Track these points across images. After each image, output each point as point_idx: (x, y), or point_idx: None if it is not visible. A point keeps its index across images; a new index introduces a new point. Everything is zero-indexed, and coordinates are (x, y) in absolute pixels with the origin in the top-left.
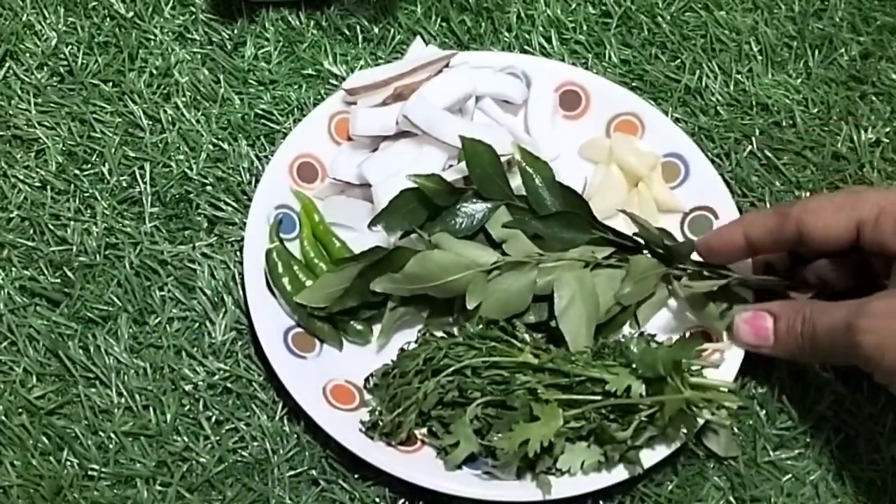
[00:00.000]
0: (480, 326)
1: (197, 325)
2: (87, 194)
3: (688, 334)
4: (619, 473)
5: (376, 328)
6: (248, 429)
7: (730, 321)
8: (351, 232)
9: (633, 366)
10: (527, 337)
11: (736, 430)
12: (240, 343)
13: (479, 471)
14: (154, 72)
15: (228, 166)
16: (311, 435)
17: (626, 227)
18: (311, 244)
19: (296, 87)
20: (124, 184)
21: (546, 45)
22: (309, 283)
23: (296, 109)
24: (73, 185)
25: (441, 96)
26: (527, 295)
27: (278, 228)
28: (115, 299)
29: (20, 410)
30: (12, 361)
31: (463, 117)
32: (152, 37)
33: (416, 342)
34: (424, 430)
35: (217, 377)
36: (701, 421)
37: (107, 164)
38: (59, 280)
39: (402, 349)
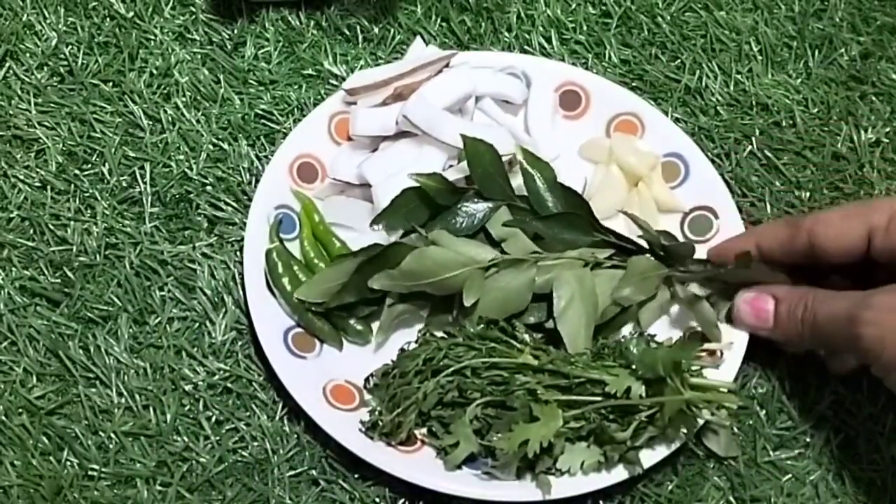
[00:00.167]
0: (481, 326)
1: (197, 325)
2: (87, 194)
3: (687, 335)
4: (619, 473)
5: (376, 328)
6: (248, 429)
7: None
8: (351, 232)
9: (633, 367)
10: (527, 338)
11: (736, 430)
12: (240, 343)
13: (478, 471)
14: (154, 72)
15: (228, 166)
16: (311, 435)
17: (626, 228)
18: (311, 244)
19: (296, 87)
20: (124, 184)
21: (546, 45)
22: None
23: (296, 109)
24: (73, 185)
25: (441, 96)
26: (526, 293)
27: (278, 228)
28: (116, 299)
29: (20, 410)
30: (12, 361)
31: (463, 117)
32: (152, 37)
33: (415, 342)
34: (424, 430)
35: (217, 377)
36: (701, 421)
37: (107, 164)
38: (59, 280)
39: (402, 349)
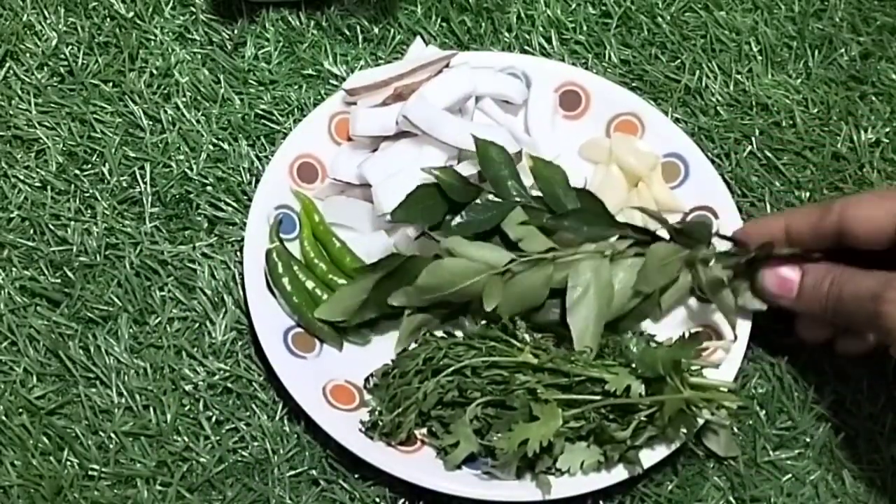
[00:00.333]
0: (483, 323)
1: (197, 325)
2: (87, 194)
3: (687, 335)
4: (619, 473)
5: (377, 328)
6: (249, 429)
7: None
8: (351, 232)
9: (633, 366)
10: (527, 337)
11: (736, 430)
12: (240, 343)
13: (478, 471)
14: (154, 72)
15: (229, 166)
16: (311, 435)
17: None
18: (311, 244)
19: (296, 87)
20: (124, 184)
21: (546, 45)
22: (309, 283)
23: (296, 109)
24: (73, 186)
25: (441, 96)
26: (543, 290)
27: (278, 228)
28: (116, 299)
29: (20, 410)
30: (13, 361)
31: (463, 117)
32: (152, 37)
33: (416, 342)
34: (424, 430)
35: (217, 377)
36: (701, 421)
37: (107, 165)
38: (59, 280)
39: (402, 349)
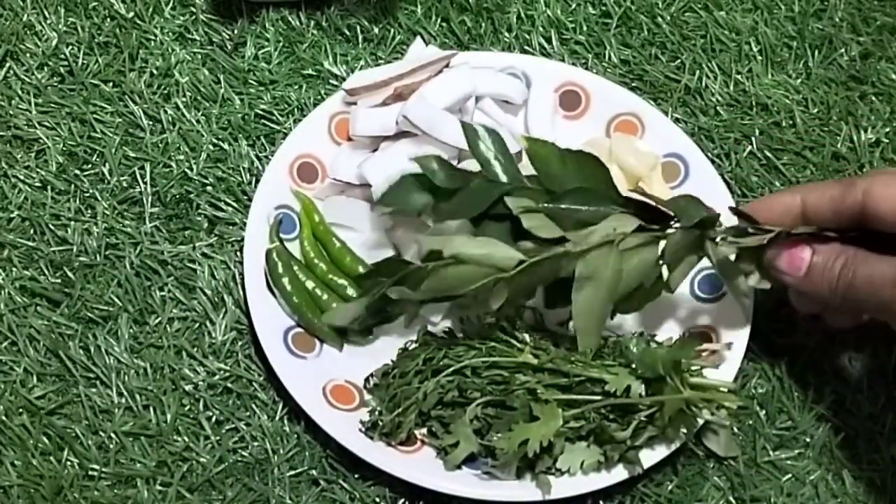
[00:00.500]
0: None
1: (197, 325)
2: (87, 194)
3: (687, 335)
4: (619, 473)
5: (377, 329)
6: (249, 429)
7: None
8: (351, 232)
9: (633, 366)
10: (527, 337)
11: (736, 430)
12: (240, 343)
13: (478, 471)
14: (154, 72)
15: (229, 166)
16: (311, 435)
17: None
18: (311, 244)
19: (296, 87)
20: (125, 184)
21: (546, 45)
22: (309, 283)
23: (296, 109)
24: (73, 186)
25: (441, 96)
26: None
27: (278, 228)
28: (116, 299)
29: (20, 410)
30: (13, 361)
31: (463, 117)
32: (153, 37)
33: (416, 342)
34: (424, 430)
35: (217, 377)
36: (701, 421)
37: (107, 165)
38: (59, 280)
39: (402, 349)
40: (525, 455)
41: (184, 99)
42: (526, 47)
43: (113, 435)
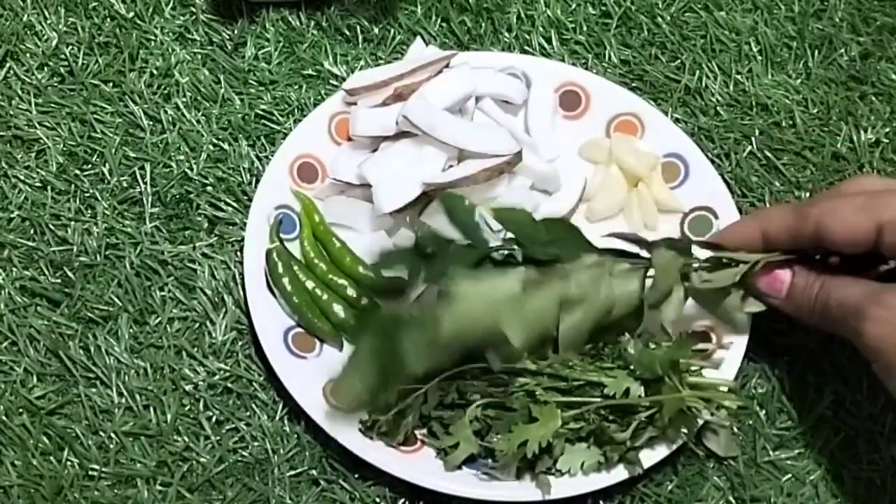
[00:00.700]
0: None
1: (197, 325)
2: (87, 194)
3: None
4: (619, 474)
5: None
6: (249, 429)
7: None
8: (351, 232)
9: (631, 368)
10: None
11: (736, 430)
12: (240, 343)
13: (478, 471)
14: (154, 72)
15: (229, 166)
16: (312, 435)
17: (627, 226)
18: (311, 244)
19: (296, 87)
20: (125, 184)
21: (546, 45)
22: (309, 283)
23: (296, 110)
24: (73, 186)
25: (441, 96)
26: (554, 308)
27: (278, 228)
28: (116, 299)
29: (21, 410)
30: (13, 361)
31: (463, 117)
32: (153, 37)
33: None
34: (424, 431)
35: (217, 377)
36: (700, 421)
37: (107, 165)
38: (59, 280)
39: None
40: (525, 456)
41: (184, 99)
42: (526, 47)
43: (113, 435)
